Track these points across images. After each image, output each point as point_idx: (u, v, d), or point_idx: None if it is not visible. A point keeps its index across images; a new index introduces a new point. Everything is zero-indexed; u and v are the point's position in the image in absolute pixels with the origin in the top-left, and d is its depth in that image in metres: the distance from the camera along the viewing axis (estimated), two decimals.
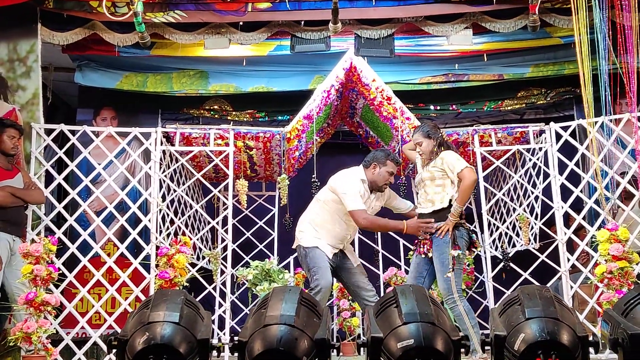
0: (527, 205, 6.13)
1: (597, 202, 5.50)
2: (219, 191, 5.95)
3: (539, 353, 2.65)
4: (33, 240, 4.82)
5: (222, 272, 5.66)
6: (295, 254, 6.72)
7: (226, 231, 5.62)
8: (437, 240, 4.61)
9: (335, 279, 5.13)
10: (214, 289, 6.00)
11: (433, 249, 4.63)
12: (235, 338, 2.84)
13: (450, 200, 4.65)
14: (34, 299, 4.57)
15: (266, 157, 6.46)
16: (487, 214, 5.92)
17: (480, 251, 6.17)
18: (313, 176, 5.50)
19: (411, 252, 6.29)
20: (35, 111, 5.68)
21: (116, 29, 5.95)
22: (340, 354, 5.91)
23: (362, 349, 2.87)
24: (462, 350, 2.79)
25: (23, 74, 5.76)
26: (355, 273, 4.91)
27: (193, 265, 5.70)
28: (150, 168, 5.60)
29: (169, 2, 5.91)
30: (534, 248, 5.97)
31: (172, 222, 5.83)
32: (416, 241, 4.87)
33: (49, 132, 5.58)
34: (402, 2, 6.05)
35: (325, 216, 4.85)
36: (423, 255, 4.71)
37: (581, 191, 5.61)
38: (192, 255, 5.60)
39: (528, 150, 6.07)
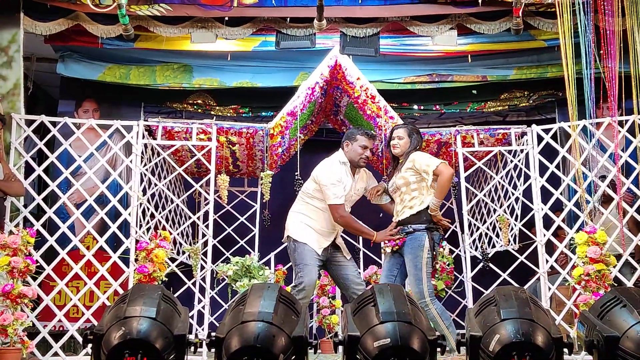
0: (508, 207, 6.17)
1: (576, 204, 5.55)
2: (201, 186, 5.93)
3: (513, 354, 2.67)
4: (11, 232, 4.78)
5: (202, 268, 5.64)
6: (276, 251, 6.76)
7: (207, 226, 5.61)
8: (412, 242, 4.62)
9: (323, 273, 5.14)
10: (194, 284, 5.97)
11: (406, 249, 4.64)
12: (213, 334, 2.83)
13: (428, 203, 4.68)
14: (10, 291, 4.53)
15: (249, 152, 6.44)
16: (468, 214, 5.95)
17: (460, 251, 6.21)
18: (296, 173, 5.49)
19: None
20: (16, 101, 5.62)
21: (100, 21, 5.91)
22: (319, 351, 5.94)
23: (339, 347, 2.87)
24: (438, 349, 2.80)
25: (4, 63, 5.70)
26: (345, 266, 4.85)
27: (173, 260, 5.68)
28: (131, 161, 5.56)
29: None
30: (513, 249, 6.01)
31: (152, 216, 5.80)
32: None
33: (29, 123, 5.53)
34: (388, 2, 6.07)
35: (313, 206, 4.82)
36: (396, 249, 4.70)
37: (561, 193, 5.65)
38: (171, 250, 5.57)
39: (510, 151, 6.11)
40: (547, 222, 5.68)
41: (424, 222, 4.64)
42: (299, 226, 4.81)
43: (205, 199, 5.94)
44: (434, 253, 4.67)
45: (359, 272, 5.04)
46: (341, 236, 5.00)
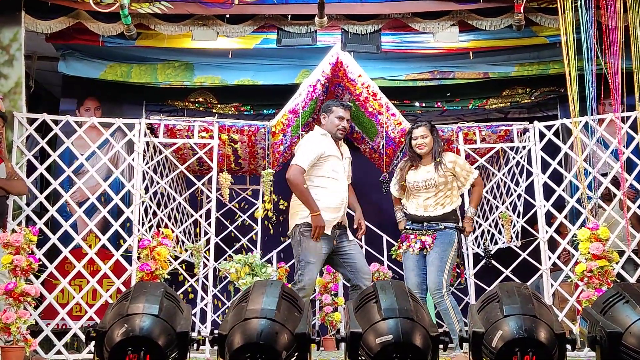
0: (510, 203, 6.17)
1: (579, 201, 5.54)
2: (203, 184, 5.93)
3: (516, 350, 2.67)
4: (14, 230, 4.78)
5: (205, 265, 5.64)
6: (278, 249, 6.77)
7: (209, 224, 5.61)
8: (443, 238, 4.74)
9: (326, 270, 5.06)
10: (196, 282, 5.97)
11: (435, 243, 4.74)
12: (215, 331, 2.83)
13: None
14: (13, 289, 4.53)
15: (251, 150, 6.44)
16: None
17: (462, 248, 6.20)
18: None
19: (394, 249, 6.32)
20: (17, 100, 5.62)
21: (101, 19, 5.90)
22: (321, 348, 5.95)
23: (341, 344, 2.87)
24: (441, 346, 2.80)
25: (6, 62, 5.70)
26: (352, 253, 4.76)
27: (175, 257, 5.68)
28: (133, 159, 5.57)
29: None
30: (515, 246, 6.01)
31: (154, 214, 5.80)
32: (406, 236, 4.91)
33: (31, 121, 5.53)
34: None
35: (313, 186, 4.71)
36: (418, 252, 4.76)
37: (563, 190, 5.65)
38: (174, 247, 5.58)
39: (512, 148, 6.11)
40: (549, 219, 5.68)
41: (453, 221, 4.82)
42: (305, 212, 4.66)
43: (208, 196, 5.94)
44: (459, 253, 4.82)
45: (364, 255, 4.99)
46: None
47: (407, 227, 4.97)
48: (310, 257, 4.60)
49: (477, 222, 6.58)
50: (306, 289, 4.56)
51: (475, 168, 6.48)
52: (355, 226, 4.97)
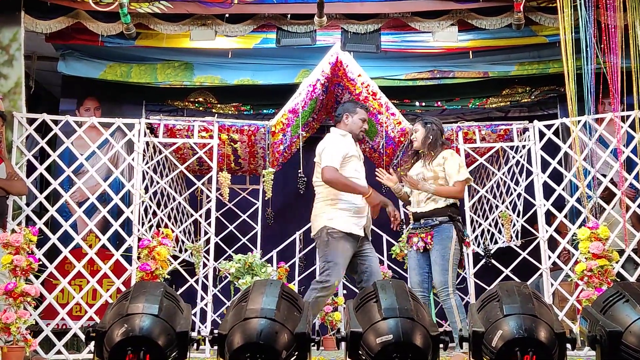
0: (510, 203, 6.17)
1: (578, 200, 5.54)
2: (203, 184, 5.93)
3: (516, 350, 2.66)
4: (13, 230, 4.78)
5: (205, 265, 5.64)
6: (278, 248, 6.76)
7: (209, 224, 5.61)
8: (440, 234, 4.70)
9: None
10: (196, 281, 5.97)
11: (434, 241, 4.71)
12: (215, 331, 2.83)
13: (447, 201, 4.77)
14: (13, 289, 4.53)
15: (250, 150, 6.44)
16: (470, 211, 5.94)
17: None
18: (299, 171, 5.49)
19: (394, 248, 6.32)
20: (17, 100, 5.62)
21: (100, 19, 5.90)
22: (321, 348, 5.94)
23: (341, 343, 2.87)
24: (441, 345, 2.80)
25: (5, 62, 5.69)
26: (371, 257, 4.75)
27: (175, 257, 5.68)
28: (133, 159, 5.57)
29: None
30: (515, 245, 6.01)
31: (154, 214, 5.80)
32: (410, 236, 4.90)
33: (31, 121, 5.53)
34: None
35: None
36: (421, 250, 4.76)
37: (563, 189, 5.65)
38: (174, 247, 5.58)
39: (511, 147, 6.11)
40: (549, 218, 5.68)
41: (448, 215, 4.74)
42: (332, 213, 4.62)
43: (207, 196, 5.94)
44: (465, 240, 4.75)
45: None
46: None
47: (411, 227, 4.97)
48: (338, 258, 4.56)
49: (477, 221, 6.58)
50: (331, 290, 4.55)
51: (475, 167, 6.51)
52: (392, 218, 4.91)
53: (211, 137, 5.79)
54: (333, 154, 4.65)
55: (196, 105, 7.14)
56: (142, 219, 5.49)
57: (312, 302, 4.42)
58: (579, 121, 5.43)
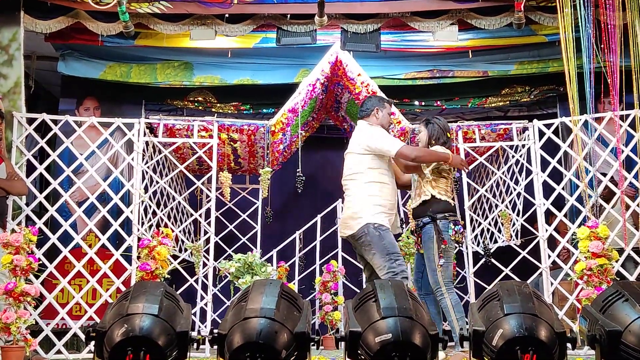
0: (510, 202, 6.17)
1: (578, 199, 5.55)
2: (202, 183, 5.93)
3: (516, 349, 2.66)
4: (13, 230, 4.78)
5: (205, 265, 5.65)
6: (278, 248, 6.77)
7: (209, 224, 5.61)
8: (424, 235, 4.68)
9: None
10: (196, 281, 5.98)
11: (422, 245, 4.71)
12: (215, 331, 2.83)
13: (433, 194, 4.72)
14: (13, 289, 4.52)
15: (250, 149, 6.44)
16: (470, 210, 5.95)
17: (462, 246, 6.22)
18: (298, 170, 5.50)
19: None
20: (17, 100, 5.62)
21: (100, 18, 5.90)
22: (321, 347, 5.94)
23: (341, 343, 2.87)
24: (440, 344, 2.80)
25: (5, 62, 5.70)
26: None
27: (175, 257, 5.68)
28: (133, 159, 5.57)
29: None
30: (515, 244, 6.01)
31: (154, 213, 5.81)
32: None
33: (30, 121, 5.53)
34: None
35: (378, 182, 4.60)
36: (421, 251, 4.78)
37: (563, 188, 5.65)
38: (174, 247, 5.58)
39: (511, 147, 6.11)
40: (549, 217, 5.68)
41: (428, 213, 4.68)
42: (372, 209, 4.52)
43: (207, 196, 5.94)
44: (443, 239, 4.62)
45: None
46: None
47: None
48: (396, 248, 4.54)
49: (476, 220, 6.58)
50: (408, 276, 4.50)
51: (475, 166, 6.52)
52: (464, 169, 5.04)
53: (211, 136, 5.79)
54: (393, 139, 4.63)
55: (196, 104, 7.14)
56: (142, 219, 5.49)
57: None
58: (578, 120, 5.43)
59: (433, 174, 4.72)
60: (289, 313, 2.86)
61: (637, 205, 5.34)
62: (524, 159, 5.91)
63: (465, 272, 6.15)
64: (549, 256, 5.46)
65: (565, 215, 5.65)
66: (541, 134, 5.73)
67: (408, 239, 6.12)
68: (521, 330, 2.70)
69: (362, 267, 6.55)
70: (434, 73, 6.77)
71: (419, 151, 4.68)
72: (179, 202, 6.44)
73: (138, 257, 5.03)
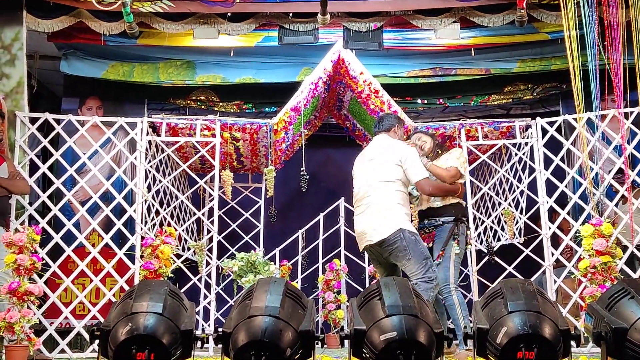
0: (513, 200, 6.16)
1: (581, 197, 5.54)
2: (205, 182, 5.93)
3: (520, 346, 2.66)
4: (17, 230, 4.77)
5: (208, 264, 5.65)
6: (281, 246, 6.76)
7: (212, 222, 5.61)
8: (442, 234, 4.73)
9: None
10: (199, 280, 5.98)
11: (436, 240, 4.74)
12: (220, 329, 2.83)
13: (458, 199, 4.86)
14: (17, 288, 4.52)
15: (253, 148, 6.44)
16: (473, 208, 5.94)
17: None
18: (302, 169, 5.49)
19: None
20: (19, 99, 5.63)
21: (102, 18, 5.90)
22: (325, 345, 5.94)
23: (345, 341, 2.87)
24: (445, 342, 2.80)
25: (7, 62, 5.70)
26: None
27: (178, 256, 5.69)
28: (135, 158, 5.56)
29: None
30: (518, 242, 6.00)
31: (157, 212, 5.81)
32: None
33: (33, 120, 5.53)
34: None
35: (404, 193, 4.55)
36: (430, 244, 4.80)
37: (566, 186, 5.64)
38: (177, 246, 5.58)
39: (514, 145, 6.10)
40: (552, 215, 5.67)
41: (452, 214, 4.76)
42: (404, 217, 4.45)
43: (210, 195, 5.94)
44: (458, 240, 4.72)
45: None
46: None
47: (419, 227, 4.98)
48: (428, 252, 4.50)
49: (479, 218, 6.58)
50: (438, 285, 4.46)
51: (478, 164, 6.51)
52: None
53: (213, 135, 5.79)
54: (421, 165, 4.57)
55: (198, 103, 7.14)
56: (145, 218, 5.49)
57: (432, 301, 4.29)
58: (582, 117, 5.42)
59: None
60: (293, 311, 2.86)
61: None
62: (527, 157, 5.90)
63: (468, 270, 6.15)
64: (552, 254, 5.45)
65: (568, 213, 5.64)
66: (544, 131, 5.72)
67: None
68: (525, 328, 2.70)
69: (364, 266, 6.59)
70: (436, 71, 6.77)
71: (434, 189, 4.68)
72: (182, 201, 6.44)
73: (141, 256, 5.03)
